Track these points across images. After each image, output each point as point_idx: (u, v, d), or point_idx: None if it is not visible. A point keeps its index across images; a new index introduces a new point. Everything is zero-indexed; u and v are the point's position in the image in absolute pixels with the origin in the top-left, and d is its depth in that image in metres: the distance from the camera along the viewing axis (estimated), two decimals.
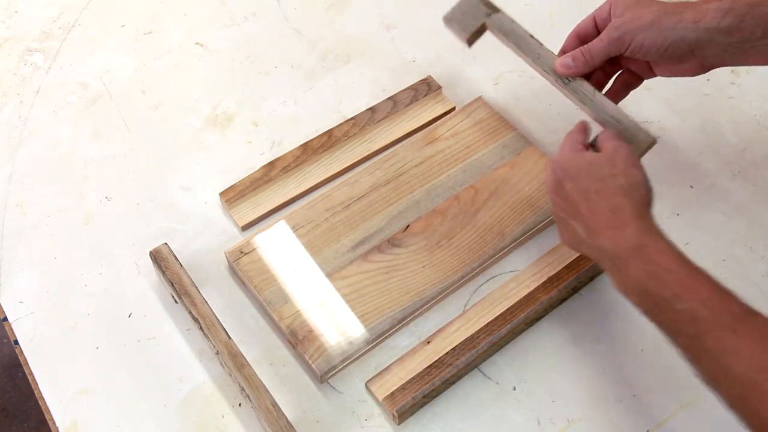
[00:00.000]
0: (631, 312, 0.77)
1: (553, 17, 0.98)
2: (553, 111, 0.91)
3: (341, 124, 0.89)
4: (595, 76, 0.77)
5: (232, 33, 0.99)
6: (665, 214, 0.82)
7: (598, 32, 0.75)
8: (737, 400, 0.56)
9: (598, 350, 0.75)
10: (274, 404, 0.68)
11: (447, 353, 0.73)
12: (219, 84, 0.94)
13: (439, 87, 0.91)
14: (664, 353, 0.74)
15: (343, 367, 0.74)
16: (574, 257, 0.78)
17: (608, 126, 0.74)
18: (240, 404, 0.73)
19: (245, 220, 0.82)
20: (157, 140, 0.90)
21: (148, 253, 0.77)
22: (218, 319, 0.73)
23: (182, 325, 0.77)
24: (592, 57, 0.74)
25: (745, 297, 0.77)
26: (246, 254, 0.79)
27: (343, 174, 0.86)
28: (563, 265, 0.78)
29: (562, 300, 0.77)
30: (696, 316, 0.58)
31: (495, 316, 0.75)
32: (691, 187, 0.84)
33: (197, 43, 0.98)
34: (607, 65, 0.77)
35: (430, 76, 0.92)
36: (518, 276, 0.78)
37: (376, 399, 0.72)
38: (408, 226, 0.81)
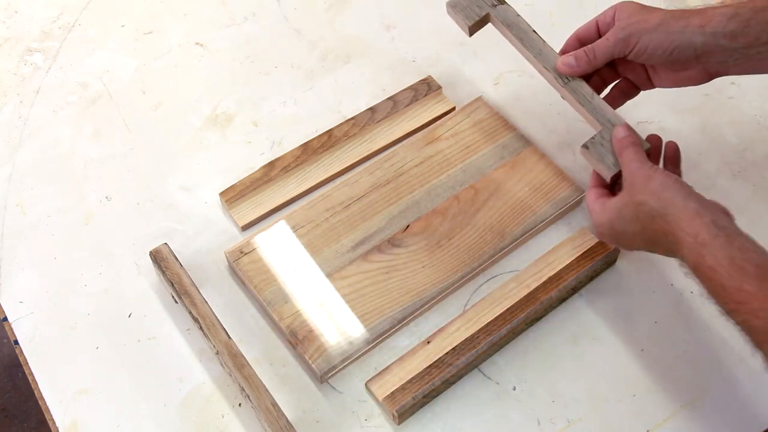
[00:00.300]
0: (631, 312, 0.77)
1: (554, 17, 0.98)
2: (553, 111, 0.91)
3: (341, 124, 0.89)
4: (592, 82, 0.77)
5: (232, 33, 0.99)
6: None
7: (600, 36, 0.74)
8: None
9: (598, 350, 0.75)
10: (274, 404, 0.68)
11: (447, 353, 0.73)
12: (219, 84, 0.94)
13: (439, 87, 0.91)
14: (664, 353, 0.75)
15: (343, 367, 0.74)
16: (575, 257, 0.78)
17: (603, 128, 0.74)
18: (240, 404, 0.73)
19: (245, 220, 0.82)
20: (157, 140, 0.90)
21: (148, 253, 0.77)
22: (218, 319, 0.73)
23: (182, 325, 0.77)
24: (595, 56, 0.74)
25: None
26: (246, 254, 0.79)
27: (343, 174, 0.86)
28: (563, 265, 0.78)
29: (562, 300, 0.77)
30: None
31: (495, 316, 0.75)
32: (692, 187, 0.84)
33: (197, 43, 0.98)
34: (605, 72, 0.77)
35: (430, 76, 0.92)
36: (518, 276, 0.78)
37: (376, 399, 0.72)
38: (408, 226, 0.81)
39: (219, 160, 0.88)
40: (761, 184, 0.85)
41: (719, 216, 0.63)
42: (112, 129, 0.91)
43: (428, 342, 0.74)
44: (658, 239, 0.66)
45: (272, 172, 0.85)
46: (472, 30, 0.81)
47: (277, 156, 0.86)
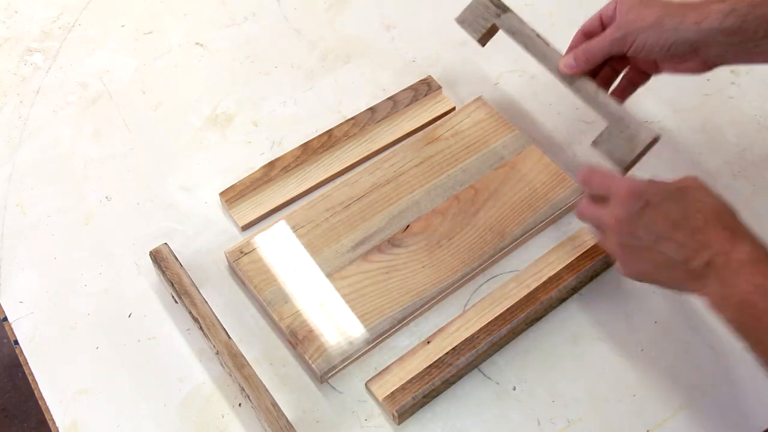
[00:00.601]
0: (631, 312, 0.77)
1: (553, 17, 0.98)
2: (553, 111, 0.91)
3: (341, 124, 0.89)
4: (603, 73, 0.78)
5: (232, 33, 0.99)
6: None
7: (603, 29, 0.75)
8: None
9: (598, 350, 0.75)
10: (274, 404, 0.68)
11: (447, 353, 0.73)
12: (219, 84, 0.94)
13: (439, 87, 0.91)
14: (664, 353, 0.75)
15: (343, 367, 0.74)
16: (575, 257, 0.78)
17: (611, 124, 0.75)
18: (240, 404, 0.73)
19: (245, 220, 0.82)
20: (157, 140, 0.90)
21: (148, 253, 0.77)
22: (218, 319, 0.73)
23: (182, 325, 0.77)
24: (593, 55, 0.75)
25: None
26: (246, 254, 0.79)
27: (343, 174, 0.86)
28: (563, 265, 0.78)
29: (562, 300, 0.77)
30: None
31: (495, 316, 0.75)
32: None
33: (197, 43, 0.98)
34: (614, 62, 0.78)
35: (430, 76, 0.92)
36: (518, 276, 0.78)
37: (376, 399, 0.72)
38: (408, 226, 0.81)
39: (219, 160, 0.88)
40: (761, 184, 0.85)
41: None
42: (112, 129, 0.91)
43: (428, 342, 0.74)
44: (720, 225, 0.62)
45: (272, 172, 0.85)
46: (483, 41, 0.84)
47: (277, 156, 0.86)
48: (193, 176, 0.87)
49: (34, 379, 0.75)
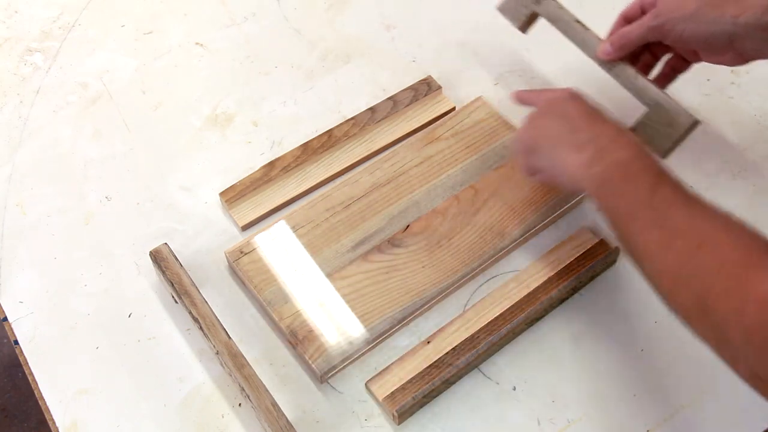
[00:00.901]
0: (631, 312, 0.77)
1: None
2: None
3: (341, 124, 0.89)
4: (644, 58, 0.79)
5: (232, 33, 0.99)
6: None
7: (643, 14, 0.76)
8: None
9: (598, 350, 0.75)
10: (274, 404, 0.68)
11: (447, 353, 0.73)
12: (219, 84, 0.94)
13: (439, 87, 0.91)
14: (664, 353, 0.75)
15: (343, 367, 0.74)
16: (574, 257, 0.78)
17: (649, 109, 0.75)
18: (240, 404, 0.73)
19: (245, 220, 0.82)
20: (157, 140, 0.90)
21: (148, 253, 0.77)
22: (218, 319, 0.73)
23: (182, 325, 0.77)
24: (630, 41, 0.76)
25: None
26: (246, 254, 0.79)
27: (343, 174, 0.86)
28: (563, 265, 0.78)
29: (562, 300, 0.77)
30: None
31: (495, 316, 0.75)
32: (691, 187, 0.84)
33: (197, 43, 0.98)
34: (655, 48, 0.78)
35: (430, 76, 0.92)
36: (518, 276, 0.78)
37: (376, 399, 0.72)
38: (408, 226, 0.81)
39: (219, 160, 0.88)
40: (761, 184, 0.85)
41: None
42: (112, 129, 0.91)
43: (428, 342, 0.74)
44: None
45: (272, 172, 0.85)
46: (523, 28, 0.85)
47: (277, 156, 0.86)
48: (193, 176, 0.87)
49: (34, 379, 0.75)
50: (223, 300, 0.78)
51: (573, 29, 0.81)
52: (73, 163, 0.88)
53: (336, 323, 0.75)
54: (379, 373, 0.73)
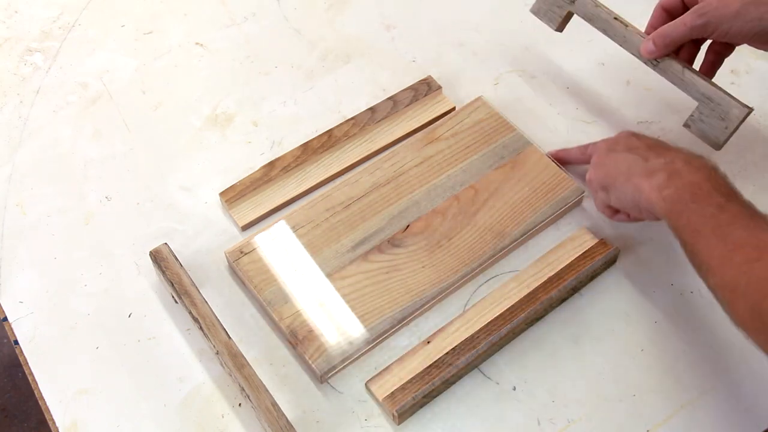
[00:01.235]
0: (631, 312, 0.77)
1: None
2: (553, 111, 0.91)
3: (341, 124, 0.89)
4: (686, 47, 0.78)
5: (232, 33, 0.99)
6: None
7: (683, 4, 0.75)
8: None
9: (598, 350, 0.75)
10: (274, 404, 0.68)
11: (447, 353, 0.73)
12: (219, 84, 0.94)
13: (439, 87, 0.91)
14: (664, 353, 0.75)
15: (343, 367, 0.74)
16: (575, 257, 0.78)
17: (700, 104, 0.75)
18: (240, 404, 0.73)
19: (245, 220, 0.82)
20: (157, 140, 0.90)
21: (148, 253, 0.77)
22: (218, 319, 0.73)
23: (182, 325, 0.77)
24: (673, 41, 0.75)
25: None
26: (246, 254, 0.79)
27: (343, 174, 0.86)
28: (563, 265, 0.78)
29: (562, 300, 0.77)
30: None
31: (495, 316, 0.75)
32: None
33: (197, 43, 0.98)
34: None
35: (430, 76, 0.92)
36: (518, 276, 0.78)
37: (376, 399, 0.72)
38: (408, 226, 0.81)
39: (219, 160, 0.88)
40: (761, 184, 0.85)
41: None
42: (112, 129, 0.91)
43: (428, 342, 0.74)
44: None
45: (272, 172, 0.85)
46: (560, 28, 0.85)
47: (277, 156, 0.86)
48: (193, 176, 0.87)
49: (34, 379, 0.75)
50: (223, 300, 0.78)
51: (613, 27, 0.79)
52: (73, 163, 0.88)
53: (336, 323, 0.75)
54: (379, 373, 0.73)
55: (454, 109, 0.90)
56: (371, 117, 0.89)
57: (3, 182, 0.86)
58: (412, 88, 0.91)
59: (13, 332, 0.77)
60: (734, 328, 0.62)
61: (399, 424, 0.71)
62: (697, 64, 0.81)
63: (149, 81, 0.95)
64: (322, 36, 0.98)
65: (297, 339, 0.74)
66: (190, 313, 0.73)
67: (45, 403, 0.73)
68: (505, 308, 0.75)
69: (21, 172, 0.87)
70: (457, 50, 0.96)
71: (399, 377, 0.72)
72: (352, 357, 0.74)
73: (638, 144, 0.72)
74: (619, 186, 0.71)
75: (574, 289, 0.77)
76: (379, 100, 0.91)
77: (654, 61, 0.77)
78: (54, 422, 0.72)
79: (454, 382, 0.73)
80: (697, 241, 0.62)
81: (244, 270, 0.78)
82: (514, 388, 0.73)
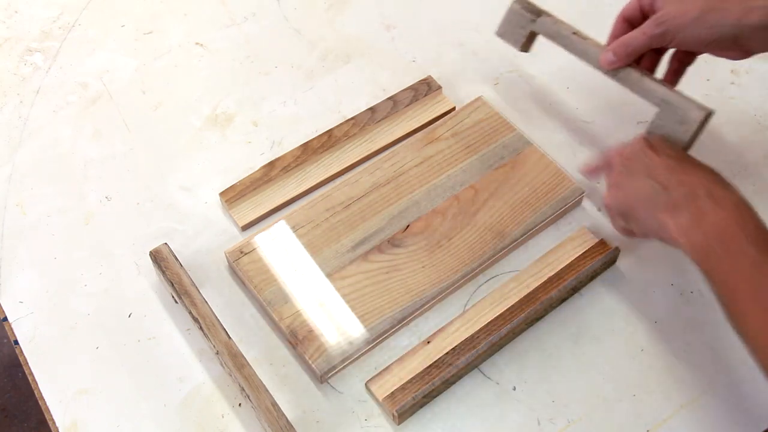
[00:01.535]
0: (631, 312, 0.77)
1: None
2: (553, 111, 0.91)
3: (341, 124, 0.89)
4: (648, 55, 0.78)
5: (232, 33, 0.99)
6: None
7: (643, 14, 0.75)
8: None
9: (598, 350, 0.75)
10: (274, 404, 0.68)
11: (447, 353, 0.73)
12: (219, 84, 0.94)
13: (439, 87, 0.91)
14: (664, 353, 0.75)
15: (343, 367, 0.74)
16: (575, 257, 0.78)
17: (660, 109, 0.75)
18: (240, 404, 0.73)
19: (245, 220, 0.82)
20: (157, 140, 0.90)
21: (148, 253, 0.77)
22: (218, 319, 0.73)
23: (182, 325, 0.77)
24: (633, 50, 0.75)
25: None
26: (246, 254, 0.79)
27: (343, 174, 0.86)
28: (563, 265, 0.78)
29: (562, 300, 0.77)
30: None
31: (495, 316, 0.75)
32: None
33: (197, 43, 0.98)
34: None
35: (430, 76, 0.92)
36: (518, 276, 0.78)
37: (376, 399, 0.72)
38: (408, 226, 0.81)
39: (219, 160, 0.88)
40: (761, 184, 0.85)
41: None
42: (112, 129, 0.91)
43: (428, 342, 0.74)
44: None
45: (272, 172, 0.85)
46: (525, 48, 0.85)
47: (277, 156, 0.86)
48: (193, 176, 0.87)
49: (34, 379, 0.75)
50: (223, 300, 0.78)
51: (572, 42, 0.80)
52: (73, 163, 0.88)
53: (336, 323, 0.75)
54: (379, 373, 0.73)
55: (454, 109, 0.90)
56: (371, 117, 0.89)
57: (3, 182, 0.86)
58: (412, 88, 0.91)
59: (13, 332, 0.77)
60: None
61: (399, 424, 0.71)
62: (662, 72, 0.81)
63: (149, 81, 0.95)
64: (322, 36, 0.98)
65: (297, 339, 0.74)
66: (190, 313, 0.73)
67: (45, 403, 0.73)
68: (505, 308, 0.75)
69: (21, 172, 0.87)
70: (457, 50, 0.96)
71: (399, 377, 0.72)
72: (352, 357, 0.74)
73: (656, 165, 0.69)
74: (640, 218, 0.69)
75: (574, 289, 0.77)
76: (379, 100, 0.91)
77: (612, 71, 0.77)
78: (54, 422, 0.72)
79: (454, 382, 0.73)
80: (734, 300, 0.61)
81: (244, 270, 0.78)
82: (514, 388, 0.73)
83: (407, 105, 0.90)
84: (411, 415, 0.72)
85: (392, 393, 0.71)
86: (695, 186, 0.66)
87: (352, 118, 0.89)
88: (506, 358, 0.75)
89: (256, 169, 0.85)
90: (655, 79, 0.76)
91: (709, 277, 0.63)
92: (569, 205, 0.82)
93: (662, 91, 0.74)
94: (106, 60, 0.97)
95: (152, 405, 0.73)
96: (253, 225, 0.83)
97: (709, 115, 0.73)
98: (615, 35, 0.77)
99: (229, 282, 0.80)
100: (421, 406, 0.72)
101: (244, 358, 0.71)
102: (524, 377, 0.74)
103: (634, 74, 0.76)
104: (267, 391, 0.69)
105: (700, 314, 0.76)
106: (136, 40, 0.98)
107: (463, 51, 0.96)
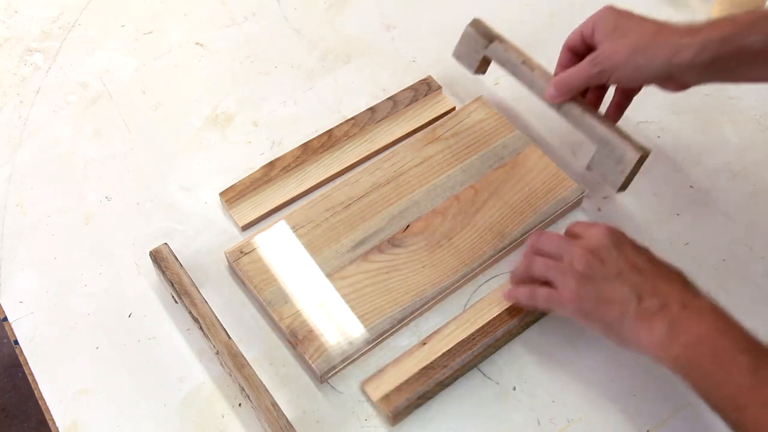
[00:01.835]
0: None
1: (554, 16, 0.98)
2: (553, 111, 0.90)
3: (341, 124, 0.89)
4: (592, 89, 0.79)
5: (232, 33, 0.99)
6: (665, 214, 0.82)
7: (585, 44, 0.75)
8: None
9: (598, 350, 0.75)
10: (274, 404, 0.68)
11: (442, 355, 0.73)
12: (219, 84, 0.94)
13: (439, 87, 0.91)
14: None
15: (343, 367, 0.74)
16: None
17: (599, 146, 0.75)
18: (240, 404, 0.73)
19: (245, 220, 0.82)
20: (157, 140, 0.90)
21: (148, 253, 0.77)
22: (218, 319, 0.73)
23: (182, 325, 0.77)
24: (574, 87, 0.75)
25: (745, 297, 0.78)
26: (246, 254, 0.79)
27: (343, 174, 0.86)
28: None
29: None
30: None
31: (494, 316, 0.75)
32: (691, 187, 0.84)
33: (197, 43, 0.98)
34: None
35: (430, 76, 0.92)
36: None
37: (370, 400, 0.72)
38: (408, 226, 0.81)
39: (219, 160, 0.88)
40: (761, 184, 0.85)
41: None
42: (112, 129, 0.91)
43: (424, 343, 0.74)
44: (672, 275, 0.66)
45: (272, 172, 0.85)
46: (480, 71, 0.86)
47: (277, 156, 0.86)
48: (193, 176, 0.87)
49: (34, 379, 0.75)
50: (223, 300, 0.78)
51: (521, 72, 0.80)
52: (73, 163, 0.88)
53: (336, 323, 0.75)
54: (374, 374, 0.73)
55: (454, 109, 0.90)
56: (371, 117, 0.89)
57: (3, 182, 0.86)
58: (412, 88, 0.91)
59: (13, 332, 0.77)
60: None
61: (394, 425, 0.71)
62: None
63: (149, 81, 0.95)
64: (322, 36, 0.98)
65: (297, 339, 0.74)
66: (190, 313, 0.73)
67: (45, 403, 0.73)
68: (504, 308, 0.75)
69: (21, 172, 0.87)
70: None
71: (394, 379, 0.72)
72: (352, 357, 0.74)
73: (625, 266, 0.66)
74: (607, 326, 0.66)
75: None
76: (379, 100, 0.91)
77: (557, 105, 0.77)
78: (54, 422, 0.72)
79: (449, 384, 0.73)
80: (740, 411, 0.59)
81: (244, 270, 0.78)
82: (514, 388, 0.73)
83: (407, 105, 0.90)
84: (406, 416, 0.72)
85: (387, 394, 0.71)
86: (668, 296, 0.63)
87: (352, 118, 0.89)
88: (506, 357, 0.75)
89: (256, 169, 0.85)
90: (597, 115, 0.76)
91: (698, 389, 0.62)
92: (569, 205, 0.82)
93: (601, 129, 0.75)
94: (106, 60, 0.97)
95: (152, 405, 0.73)
96: (253, 225, 0.83)
97: (645, 155, 0.73)
98: (561, 64, 0.78)
99: (229, 282, 0.80)
100: (416, 408, 0.72)
101: (244, 358, 0.71)
102: (524, 377, 0.74)
103: (575, 109, 0.76)
104: (267, 391, 0.69)
105: None
106: (136, 40, 0.98)
107: None
